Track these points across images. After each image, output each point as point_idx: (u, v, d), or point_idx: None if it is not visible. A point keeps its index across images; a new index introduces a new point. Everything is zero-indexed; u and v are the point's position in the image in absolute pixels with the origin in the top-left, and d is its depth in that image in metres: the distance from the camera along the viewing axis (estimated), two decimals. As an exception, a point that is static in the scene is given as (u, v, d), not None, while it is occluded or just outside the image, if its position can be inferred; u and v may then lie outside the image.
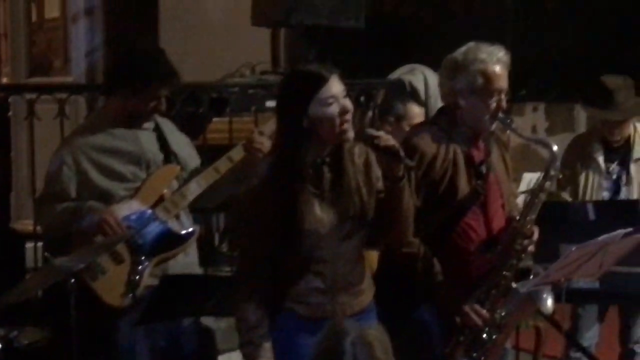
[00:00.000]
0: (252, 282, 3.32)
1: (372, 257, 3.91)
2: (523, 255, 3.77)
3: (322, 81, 3.24)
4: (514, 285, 3.66)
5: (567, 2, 9.04)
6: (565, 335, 4.10)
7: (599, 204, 4.73)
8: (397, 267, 3.76)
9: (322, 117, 3.23)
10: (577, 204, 4.79)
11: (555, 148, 3.76)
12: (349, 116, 3.26)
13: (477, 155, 3.79)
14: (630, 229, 3.77)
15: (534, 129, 8.66)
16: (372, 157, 3.40)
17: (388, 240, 3.56)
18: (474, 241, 3.76)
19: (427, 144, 3.71)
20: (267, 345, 3.30)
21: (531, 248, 3.78)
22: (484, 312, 3.70)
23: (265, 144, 4.09)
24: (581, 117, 8.70)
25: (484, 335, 3.72)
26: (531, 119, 8.93)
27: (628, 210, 4.66)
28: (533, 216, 3.75)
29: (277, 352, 3.32)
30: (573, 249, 3.59)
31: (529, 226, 3.74)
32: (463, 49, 3.75)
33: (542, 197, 3.75)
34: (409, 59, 6.65)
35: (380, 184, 3.39)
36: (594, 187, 4.98)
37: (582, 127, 8.37)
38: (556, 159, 3.76)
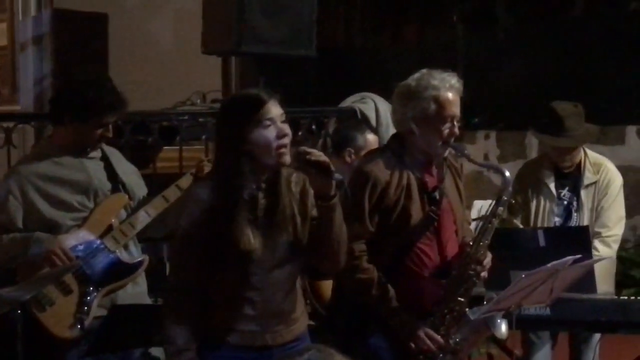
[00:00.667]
0: (181, 306, 3.31)
1: (326, 286, 3.91)
2: (476, 280, 3.78)
3: (260, 103, 3.26)
4: (467, 311, 3.66)
5: (517, 31, 9.15)
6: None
7: (549, 231, 4.76)
8: (351, 294, 3.77)
9: (259, 139, 3.24)
10: (527, 231, 4.81)
11: (507, 174, 3.79)
12: (286, 140, 3.27)
13: (430, 181, 3.81)
14: (579, 256, 3.81)
15: (486, 157, 8.71)
16: (308, 184, 3.39)
17: (322, 266, 3.54)
18: (428, 267, 3.77)
19: (380, 171, 3.73)
20: None
21: (484, 274, 3.79)
22: (438, 337, 3.71)
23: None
24: (533, 144, 8.77)
25: None
26: (483, 147, 8.99)
27: (578, 236, 4.69)
28: (486, 242, 3.77)
29: None
30: (523, 275, 3.61)
31: (482, 252, 3.76)
32: (416, 75, 3.78)
33: (495, 222, 3.78)
34: (359, 87, 6.68)
35: (314, 211, 3.38)
36: (545, 212, 5.00)
37: (533, 154, 8.43)
38: (509, 184, 3.78)
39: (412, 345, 3.70)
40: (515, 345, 4.87)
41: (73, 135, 4.13)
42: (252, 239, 3.27)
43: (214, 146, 3.48)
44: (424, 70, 3.78)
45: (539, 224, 4.99)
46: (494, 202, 3.80)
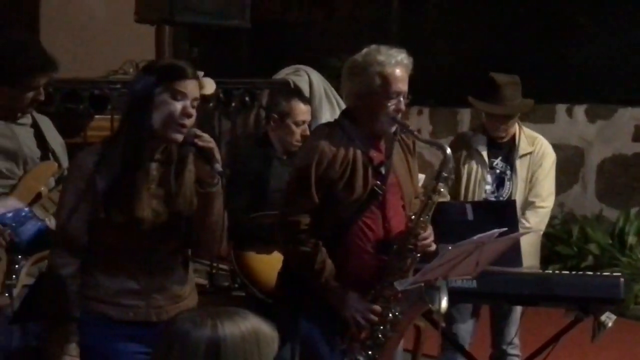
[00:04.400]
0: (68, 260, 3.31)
1: (277, 259, 3.92)
2: (417, 254, 3.82)
3: (180, 75, 3.24)
4: (395, 282, 3.71)
5: (450, 7, 9.22)
6: (442, 334, 4.16)
7: (477, 204, 4.82)
8: (294, 267, 3.81)
9: (163, 107, 3.22)
10: (456, 204, 4.87)
11: (449, 151, 3.83)
12: (187, 121, 3.24)
13: (377, 156, 3.83)
14: (505, 229, 3.87)
15: (418, 132, 8.79)
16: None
17: (196, 250, 3.51)
18: (371, 241, 3.80)
19: (327, 145, 3.75)
20: (73, 344, 3.28)
21: (432, 248, 3.84)
22: (375, 307, 3.75)
23: None
24: (465, 120, 8.89)
25: (379, 334, 3.78)
26: (416, 123, 9.07)
27: (506, 211, 4.76)
28: (427, 217, 3.81)
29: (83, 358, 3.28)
30: (449, 247, 3.66)
31: (422, 226, 3.80)
32: (364, 51, 3.81)
33: (435, 199, 3.81)
34: (292, 60, 6.69)
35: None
36: (477, 180, 5.05)
37: (465, 129, 8.53)
38: (449, 161, 3.83)
39: (350, 320, 3.74)
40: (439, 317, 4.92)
41: (2, 100, 4.07)
42: (146, 207, 3.26)
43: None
44: (373, 46, 3.80)
45: (470, 193, 5.04)
46: (435, 177, 3.84)
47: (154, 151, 3.30)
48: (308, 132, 4.58)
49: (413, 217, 3.82)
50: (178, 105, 3.23)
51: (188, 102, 3.24)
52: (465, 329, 5.16)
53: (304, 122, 4.70)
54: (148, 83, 3.24)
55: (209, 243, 3.37)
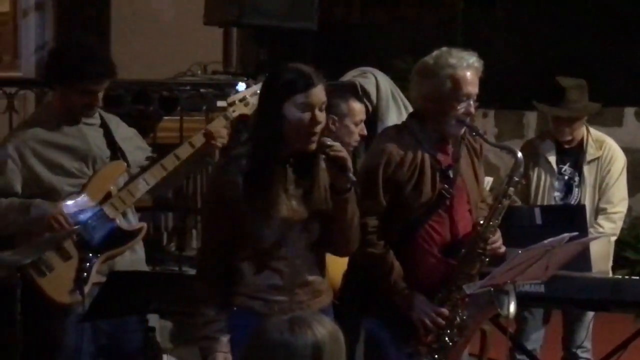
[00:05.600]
0: (211, 276, 3.36)
1: (343, 262, 3.94)
2: (485, 259, 3.80)
3: (307, 85, 3.27)
4: (463, 286, 3.70)
5: (517, 8, 9.15)
6: (510, 338, 4.13)
7: (546, 209, 4.78)
8: (362, 268, 3.81)
9: (293, 118, 3.26)
10: (524, 208, 4.84)
11: (520, 155, 3.81)
12: (317, 129, 3.29)
13: (445, 159, 3.82)
14: (576, 233, 3.83)
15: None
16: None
17: (333, 251, 3.57)
18: (438, 244, 3.79)
19: (394, 147, 3.75)
20: (224, 340, 3.32)
21: (502, 250, 3.82)
22: (443, 310, 3.74)
23: (223, 135, 4.13)
24: (531, 123, 8.80)
25: (446, 338, 3.77)
26: (481, 125, 9.00)
27: (574, 215, 4.72)
28: (496, 222, 3.79)
29: (234, 350, 3.32)
30: (519, 252, 3.63)
31: (491, 231, 3.78)
32: (435, 53, 3.80)
33: (506, 203, 3.79)
34: (356, 62, 6.68)
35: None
36: (545, 187, 5.02)
37: (531, 133, 8.46)
38: (521, 165, 3.81)
39: (418, 323, 3.73)
40: (508, 322, 4.90)
41: (60, 101, 4.14)
42: (286, 207, 3.33)
43: (255, 110, 3.50)
44: (444, 48, 3.79)
45: (538, 199, 5.01)
46: (505, 181, 3.83)
47: (289, 156, 3.35)
48: (365, 132, 4.59)
49: (482, 221, 3.80)
50: (307, 116, 3.27)
51: (316, 110, 3.28)
52: (535, 334, 5.13)
53: (361, 121, 4.71)
54: (276, 98, 3.28)
55: (344, 243, 3.47)
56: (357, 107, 4.74)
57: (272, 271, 3.37)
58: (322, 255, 3.50)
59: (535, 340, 5.13)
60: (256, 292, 3.37)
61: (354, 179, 3.32)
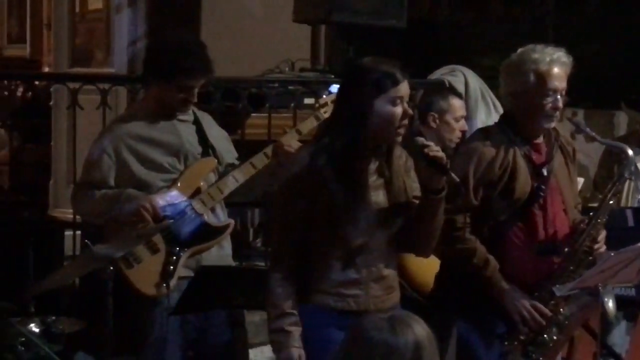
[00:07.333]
0: (285, 269, 3.34)
1: (434, 260, 3.93)
2: (590, 257, 3.78)
3: (396, 81, 3.29)
4: (553, 288, 3.66)
5: (609, 5, 8.99)
6: (599, 341, 4.07)
7: (638, 210, 4.70)
8: (455, 266, 3.81)
9: (385, 114, 3.28)
10: (616, 210, 4.75)
11: (630, 152, 3.78)
12: (407, 121, 3.33)
13: (538, 158, 3.82)
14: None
15: (572, 136, 8.61)
16: (410, 162, 3.46)
17: (412, 249, 3.57)
18: (532, 242, 3.77)
19: (486, 146, 3.76)
20: (297, 333, 3.30)
21: (603, 249, 3.80)
22: (544, 309, 3.72)
23: (293, 146, 4.11)
24: (621, 123, 8.64)
25: (545, 336, 3.74)
26: (569, 125, 8.87)
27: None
28: (603, 220, 3.78)
29: (305, 347, 3.32)
30: (611, 254, 3.58)
31: (597, 229, 3.77)
32: (520, 50, 3.80)
33: (614, 200, 3.78)
34: (444, 61, 6.64)
35: (416, 192, 3.42)
36: (630, 189, 4.95)
37: (621, 134, 8.31)
38: (631, 162, 3.77)
39: (516, 316, 3.71)
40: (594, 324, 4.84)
41: (156, 96, 4.19)
42: (372, 198, 3.33)
43: (334, 107, 3.51)
44: (529, 45, 3.79)
45: (622, 201, 4.94)
46: (616, 179, 3.80)
47: (373, 149, 3.37)
48: (466, 128, 4.57)
49: (587, 220, 3.77)
50: (399, 110, 3.29)
51: (405, 104, 3.31)
52: (620, 338, 5.05)
53: (462, 117, 4.69)
54: (367, 94, 3.30)
55: (426, 243, 3.46)
56: (458, 104, 4.73)
57: (347, 265, 3.35)
58: (396, 250, 3.48)
59: (620, 345, 5.05)
60: (331, 286, 3.35)
61: (457, 179, 3.30)
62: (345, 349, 2.43)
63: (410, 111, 3.33)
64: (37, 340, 3.87)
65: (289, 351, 3.28)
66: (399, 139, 3.34)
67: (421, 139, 3.35)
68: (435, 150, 3.28)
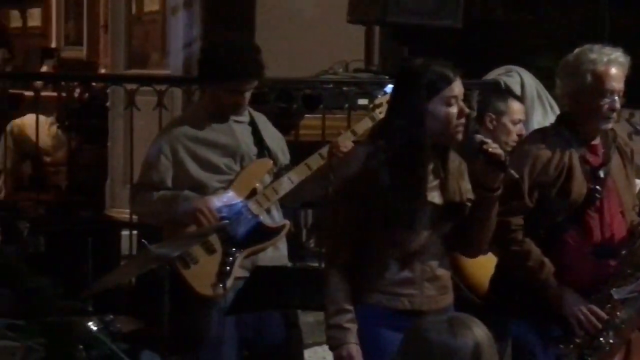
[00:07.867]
0: (342, 267, 3.34)
1: (491, 261, 3.91)
2: None
3: (449, 81, 3.29)
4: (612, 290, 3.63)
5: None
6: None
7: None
8: (510, 269, 3.79)
9: (441, 115, 3.28)
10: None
11: None
12: (464, 120, 3.32)
13: (594, 159, 3.78)
14: None
15: (629, 137, 8.50)
16: (464, 165, 3.46)
17: (464, 249, 3.57)
18: (588, 244, 3.74)
19: (541, 148, 3.74)
20: (355, 330, 3.30)
21: None
22: (601, 312, 3.69)
23: (349, 147, 4.11)
24: (679, 125, 8.52)
25: (601, 339, 3.71)
26: (626, 126, 8.76)
27: None
28: None
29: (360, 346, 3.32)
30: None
31: None
32: (576, 50, 3.77)
33: None
34: (500, 61, 6.60)
35: (470, 194, 3.41)
36: None
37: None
38: None
39: (572, 319, 3.68)
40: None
41: (210, 98, 4.22)
42: (429, 198, 3.33)
43: (387, 108, 3.52)
44: (586, 45, 3.75)
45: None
46: None
47: (432, 149, 3.37)
48: (523, 131, 4.53)
49: None
50: (454, 109, 3.30)
51: (460, 103, 3.31)
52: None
53: (520, 120, 4.66)
54: (421, 95, 3.30)
55: (478, 243, 3.47)
56: (516, 107, 4.70)
57: (403, 264, 3.34)
58: (448, 250, 3.47)
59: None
60: (385, 286, 3.35)
61: (517, 175, 3.30)
62: (404, 351, 2.42)
63: (466, 109, 3.32)
64: (105, 338, 3.90)
65: (348, 348, 3.29)
66: (459, 137, 3.33)
67: (479, 136, 3.35)
68: (494, 147, 3.28)
